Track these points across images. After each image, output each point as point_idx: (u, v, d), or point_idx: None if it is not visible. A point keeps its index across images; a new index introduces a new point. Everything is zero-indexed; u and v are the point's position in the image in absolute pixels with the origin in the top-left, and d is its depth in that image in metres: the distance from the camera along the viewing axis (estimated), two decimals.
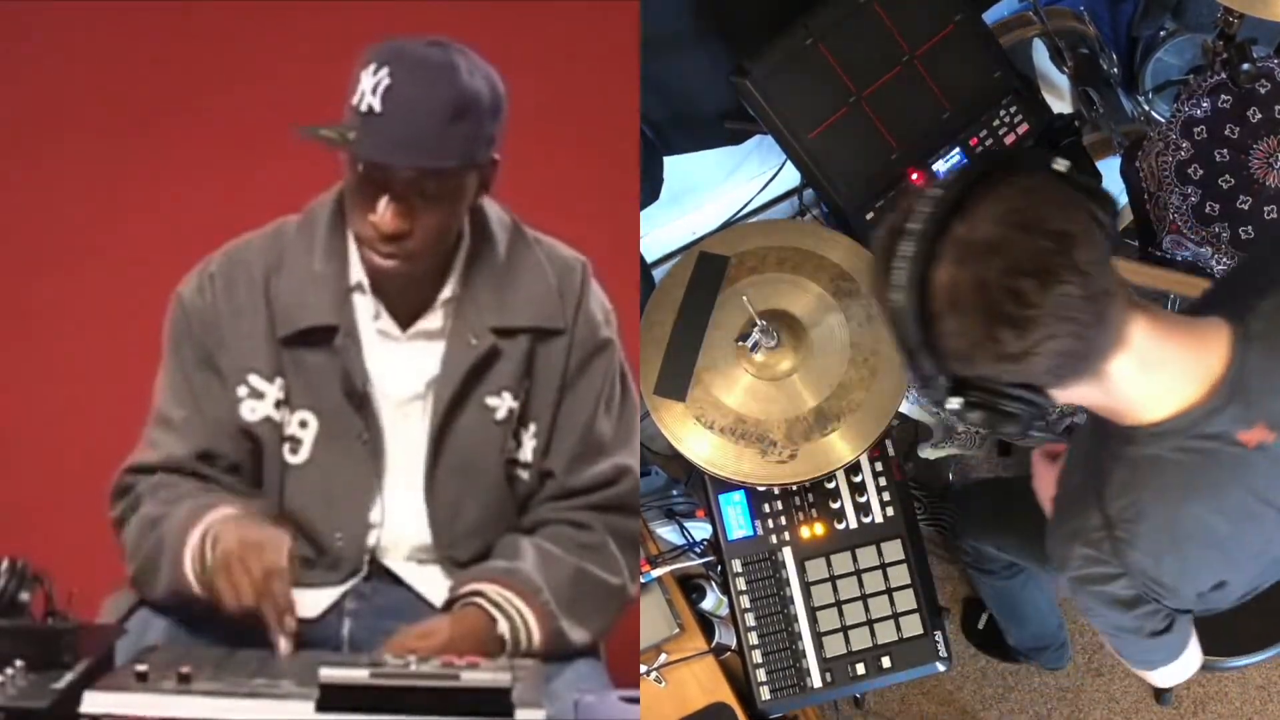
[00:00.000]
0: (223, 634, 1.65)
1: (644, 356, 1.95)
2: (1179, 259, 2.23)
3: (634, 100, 2.07)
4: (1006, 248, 1.25)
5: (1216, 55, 2.14)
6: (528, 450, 1.72)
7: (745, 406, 1.93)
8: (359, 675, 1.34)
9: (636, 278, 2.15)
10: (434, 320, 1.69)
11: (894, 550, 2.13)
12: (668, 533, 2.37)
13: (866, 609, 2.11)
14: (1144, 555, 1.47)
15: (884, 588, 2.12)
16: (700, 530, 2.31)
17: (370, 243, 1.62)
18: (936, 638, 2.09)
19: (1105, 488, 1.48)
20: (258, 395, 1.69)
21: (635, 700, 1.55)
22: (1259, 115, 2.20)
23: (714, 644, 2.15)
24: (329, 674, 1.34)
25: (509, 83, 1.63)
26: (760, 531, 2.14)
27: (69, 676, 1.40)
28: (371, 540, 1.72)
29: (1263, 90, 2.21)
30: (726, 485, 2.09)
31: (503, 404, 1.70)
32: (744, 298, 1.86)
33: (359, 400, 1.68)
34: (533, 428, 1.72)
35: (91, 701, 1.33)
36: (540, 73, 1.82)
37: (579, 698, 1.54)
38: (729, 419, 1.93)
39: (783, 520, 2.15)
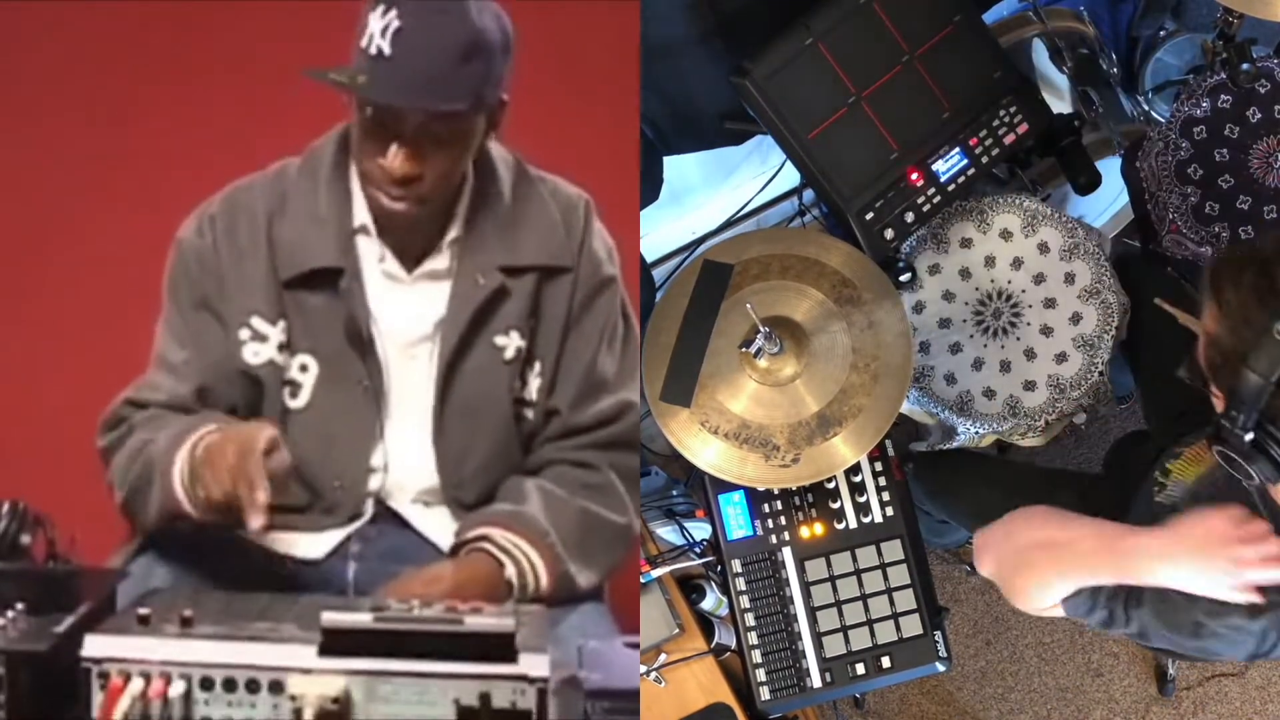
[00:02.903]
0: (218, 571, 1.64)
1: (650, 364, 1.95)
2: (1179, 259, 2.23)
3: (634, 100, 2.07)
4: None
5: (1216, 55, 2.13)
6: (533, 389, 1.72)
7: (749, 412, 1.93)
8: (362, 619, 1.32)
9: (637, 278, 2.15)
10: (440, 261, 1.68)
11: (894, 550, 2.13)
12: (668, 533, 2.36)
13: (866, 609, 2.11)
14: None
15: (884, 588, 2.12)
16: (700, 530, 2.31)
17: (379, 185, 1.60)
18: (936, 638, 2.10)
19: None
20: (261, 338, 1.67)
21: (638, 646, 1.55)
22: (1259, 115, 2.20)
23: (714, 644, 2.15)
24: (332, 618, 1.32)
25: (508, 84, 1.63)
26: (760, 531, 2.15)
27: (70, 620, 1.39)
28: (374, 484, 1.70)
29: (1262, 90, 2.21)
30: (726, 485, 2.09)
31: (511, 343, 1.69)
32: (748, 305, 1.85)
33: (362, 345, 1.67)
34: (538, 366, 1.71)
35: (93, 645, 1.31)
36: (540, 73, 1.82)
37: (584, 643, 1.53)
38: (733, 424, 1.93)
39: (782, 520, 2.15)
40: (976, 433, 2.20)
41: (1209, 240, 2.20)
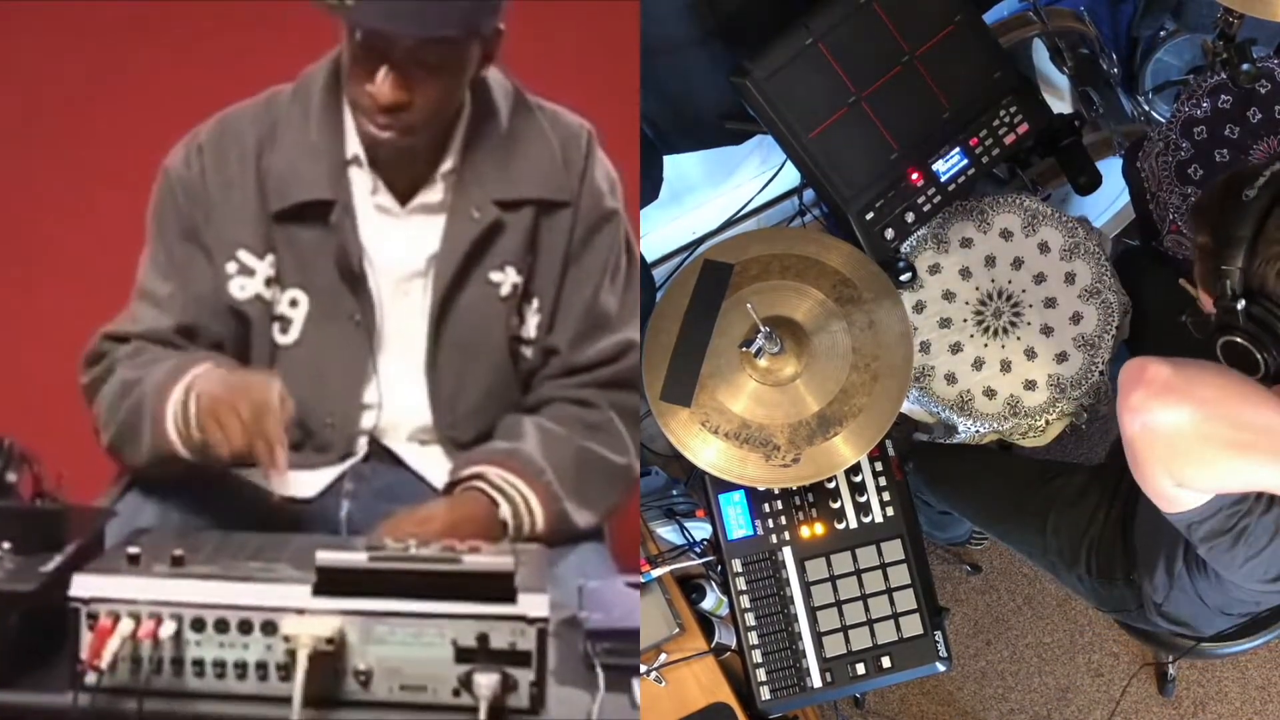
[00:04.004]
0: (208, 509, 1.59)
1: (650, 363, 1.94)
2: (1180, 259, 2.23)
3: (634, 100, 2.07)
4: None
5: (1216, 55, 2.13)
6: (531, 327, 1.68)
7: (750, 412, 1.93)
8: (357, 559, 1.28)
9: (636, 211, 2.13)
10: (434, 194, 1.64)
11: (894, 550, 2.13)
12: (668, 533, 2.36)
13: (866, 609, 2.11)
14: None
15: (884, 588, 2.12)
16: (700, 530, 2.31)
17: (367, 112, 1.55)
18: (936, 638, 2.10)
19: None
20: (248, 272, 1.63)
21: (639, 586, 1.52)
22: (1259, 115, 2.20)
23: (714, 644, 2.15)
24: (326, 557, 1.28)
25: (504, 14, 1.58)
26: (760, 531, 2.14)
27: (58, 559, 1.35)
28: (367, 422, 1.67)
29: (1263, 90, 2.21)
30: (726, 485, 2.09)
31: (506, 279, 1.65)
32: (748, 305, 1.85)
33: (353, 279, 1.63)
34: (536, 303, 1.67)
35: (81, 585, 1.26)
36: (540, 73, 1.81)
37: (583, 583, 1.50)
38: (734, 424, 1.93)
39: (783, 520, 2.15)
40: (977, 431, 2.20)
41: None
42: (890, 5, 2.09)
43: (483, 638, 1.26)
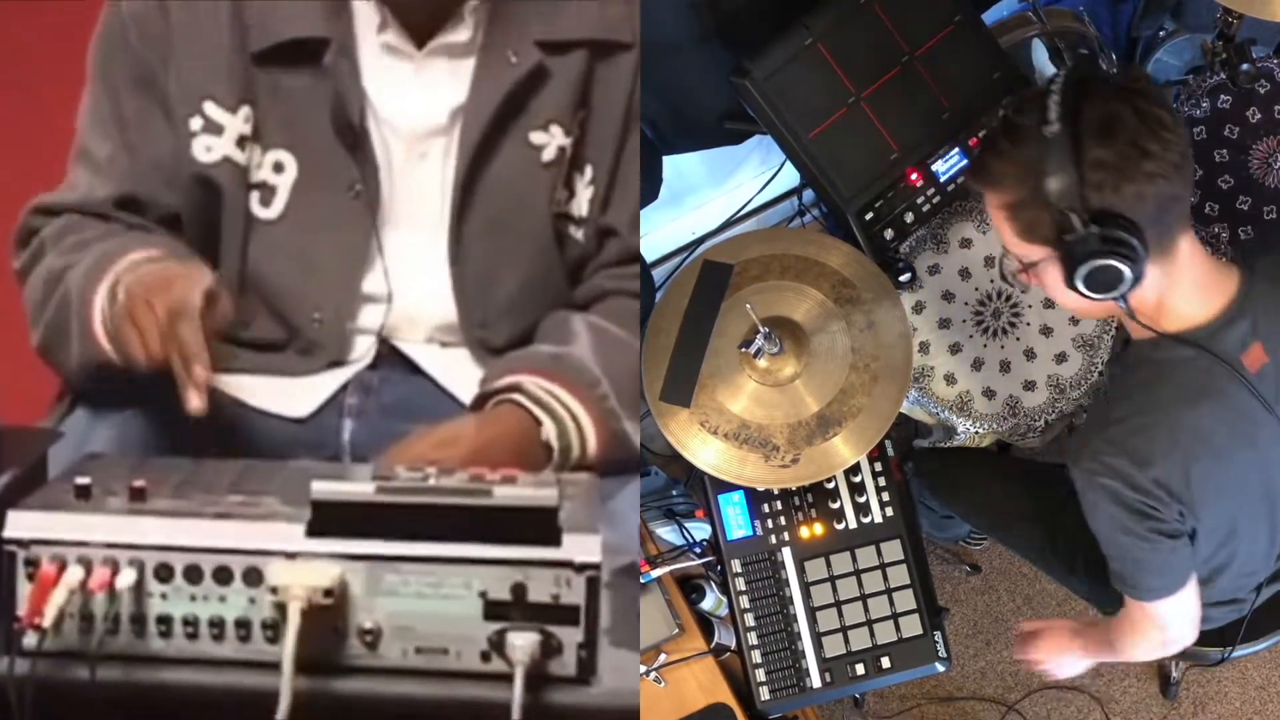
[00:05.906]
0: (177, 430, 1.31)
1: (649, 363, 1.94)
2: None
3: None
4: (1144, 92, 1.41)
5: (1216, 55, 2.13)
6: (583, 201, 1.41)
7: (749, 412, 1.93)
8: (362, 491, 1.07)
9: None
10: (460, 32, 1.35)
11: (893, 550, 2.13)
12: (668, 533, 2.37)
13: (866, 609, 2.11)
14: (1158, 453, 1.55)
15: (883, 588, 2.12)
16: (700, 530, 2.31)
17: None
18: (936, 638, 2.10)
19: (1130, 390, 1.60)
20: (215, 129, 1.35)
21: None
22: (1258, 115, 2.20)
23: (713, 644, 2.15)
24: (324, 489, 1.07)
25: None
26: (760, 532, 2.14)
27: None
28: (369, 319, 1.39)
29: (1262, 90, 2.21)
30: (726, 485, 2.09)
31: (551, 141, 1.38)
32: (747, 305, 1.85)
33: (352, 137, 1.35)
34: (589, 172, 1.41)
35: (17, 523, 1.05)
36: None
37: None
38: (733, 425, 1.92)
39: (782, 520, 2.15)
40: (976, 432, 2.20)
41: (1209, 241, 2.20)
42: (890, 5, 2.09)
43: (519, 588, 1.06)
